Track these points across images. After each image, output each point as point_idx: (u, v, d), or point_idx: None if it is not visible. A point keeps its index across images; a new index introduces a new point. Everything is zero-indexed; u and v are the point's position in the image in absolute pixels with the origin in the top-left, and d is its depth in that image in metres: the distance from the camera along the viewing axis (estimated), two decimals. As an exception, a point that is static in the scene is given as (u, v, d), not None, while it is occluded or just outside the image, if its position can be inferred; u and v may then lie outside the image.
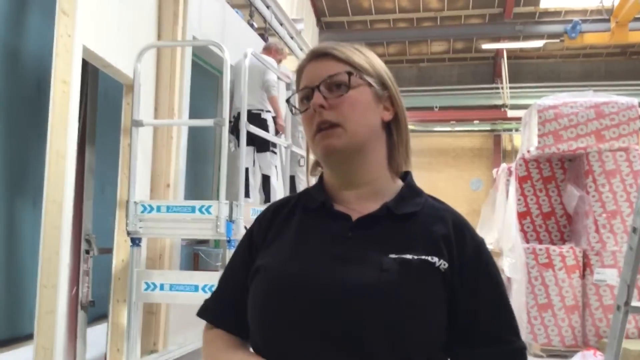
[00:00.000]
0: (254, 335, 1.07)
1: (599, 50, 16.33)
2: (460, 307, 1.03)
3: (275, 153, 5.39)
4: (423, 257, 1.02)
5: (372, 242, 1.05)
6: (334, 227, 1.08)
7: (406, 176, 1.17)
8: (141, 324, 4.17)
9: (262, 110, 5.27)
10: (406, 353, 0.97)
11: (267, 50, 5.74)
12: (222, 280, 1.21)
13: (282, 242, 1.11)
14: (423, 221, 1.08)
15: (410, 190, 1.14)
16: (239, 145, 4.02)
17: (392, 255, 1.02)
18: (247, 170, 4.75)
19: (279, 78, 5.35)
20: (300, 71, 1.15)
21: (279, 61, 5.76)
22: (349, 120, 1.07)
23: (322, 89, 1.08)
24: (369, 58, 1.13)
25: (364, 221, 1.08)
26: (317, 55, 1.12)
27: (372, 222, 1.07)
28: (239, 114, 4.14)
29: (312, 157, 1.21)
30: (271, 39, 6.52)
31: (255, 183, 5.35)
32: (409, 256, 1.02)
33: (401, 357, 0.96)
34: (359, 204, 1.10)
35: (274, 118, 5.36)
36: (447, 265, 1.03)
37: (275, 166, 5.44)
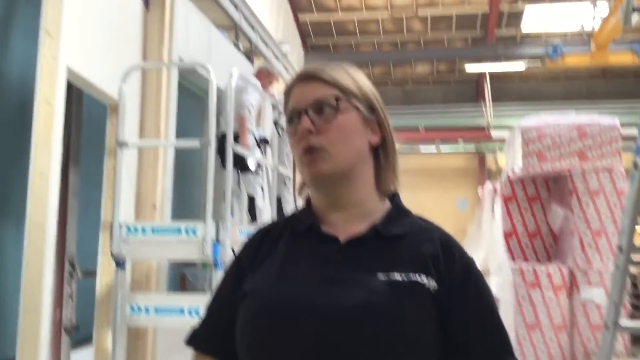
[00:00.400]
0: (241, 357, 1.05)
1: (580, 72, 16.60)
2: (452, 326, 1.02)
3: (257, 174, 5.36)
4: (412, 277, 1.01)
5: (361, 263, 1.04)
6: (321, 250, 1.07)
7: (394, 197, 1.16)
8: (128, 348, 4.10)
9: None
10: None
11: (259, 73, 5.75)
12: (210, 306, 1.19)
13: (269, 265, 1.10)
14: (411, 241, 1.08)
15: (398, 211, 1.13)
16: (223, 167, 3.99)
17: (381, 277, 1.01)
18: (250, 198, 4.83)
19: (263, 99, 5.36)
20: (288, 92, 1.14)
21: (269, 83, 5.76)
22: (337, 145, 1.06)
23: (310, 113, 1.08)
24: (357, 81, 1.13)
25: (352, 243, 1.07)
26: (305, 77, 1.12)
27: (360, 244, 1.07)
28: (222, 135, 4.12)
29: (298, 177, 1.20)
30: (262, 62, 6.52)
31: (241, 204, 5.33)
32: (397, 277, 1.01)
33: None
34: (346, 226, 1.09)
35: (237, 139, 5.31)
36: (436, 285, 1.02)
37: (261, 187, 5.41)
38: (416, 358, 0.98)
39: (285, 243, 1.12)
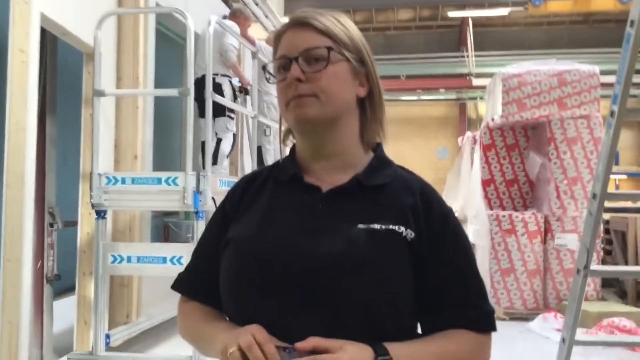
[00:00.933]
0: (226, 306, 1.09)
1: (562, 18, 16.51)
2: (428, 274, 1.05)
3: (232, 118, 5.24)
4: (390, 226, 1.04)
5: (342, 213, 1.06)
6: (304, 199, 1.09)
7: (377, 148, 1.18)
8: (112, 297, 4.15)
9: (217, 74, 5.04)
10: (376, 320, 0.99)
11: (233, 16, 5.57)
12: (196, 253, 1.22)
13: (252, 213, 1.11)
14: (392, 192, 1.10)
15: (380, 162, 1.15)
16: (199, 115, 3.93)
17: (361, 226, 1.03)
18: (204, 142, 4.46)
19: (242, 45, 5.26)
20: (278, 38, 1.13)
21: (245, 28, 5.62)
22: (325, 93, 1.06)
23: (300, 62, 1.07)
24: (349, 30, 1.12)
25: (333, 193, 1.09)
26: (297, 24, 1.10)
27: (342, 194, 1.08)
28: (197, 79, 4.03)
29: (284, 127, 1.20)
30: (236, 5, 6.34)
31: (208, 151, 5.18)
32: (376, 226, 1.03)
33: (371, 324, 0.98)
34: (329, 176, 1.11)
35: (229, 80, 5.24)
36: (413, 234, 1.05)
37: (232, 132, 5.30)
38: (394, 306, 1.01)
39: (269, 192, 1.14)
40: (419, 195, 1.10)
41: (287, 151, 1.21)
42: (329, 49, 1.07)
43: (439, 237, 1.07)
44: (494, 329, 1.09)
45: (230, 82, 5.22)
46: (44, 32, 3.64)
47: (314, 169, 1.13)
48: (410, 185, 1.12)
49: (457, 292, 1.07)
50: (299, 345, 0.93)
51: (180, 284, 1.21)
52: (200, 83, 4.05)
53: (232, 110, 5.11)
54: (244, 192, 1.17)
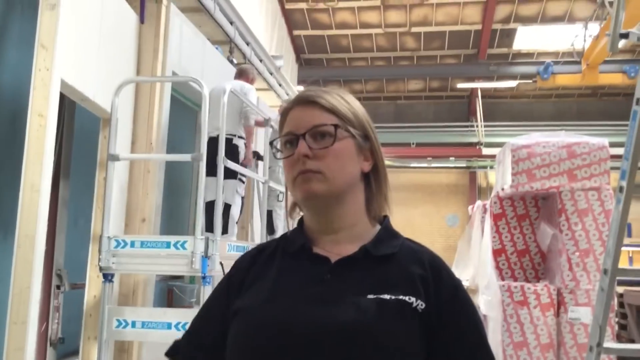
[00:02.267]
0: None
1: (570, 91, 16.78)
2: (439, 347, 1.04)
3: (242, 182, 5.24)
4: (400, 297, 1.03)
5: (350, 283, 1.06)
6: (312, 270, 1.09)
7: (384, 220, 1.18)
8: (112, 362, 4.08)
9: (235, 135, 5.11)
10: None
11: (245, 76, 5.58)
12: (196, 321, 1.20)
13: (261, 284, 1.11)
14: (400, 262, 1.10)
15: (387, 233, 1.15)
16: (207, 173, 3.94)
17: (370, 296, 1.03)
18: (213, 202, 4.21)
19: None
20: (284, 114, 1.16)
21: (252, 81, 5.66)
22: (331, 170, 1.08)
23: (307, 138, 1.09)
24: (353, 108, 1.15)
25: (342, 263, 1.09)
26: (303, 102, 1.13)
27: (350, 264, 1.08)
28: (210, 138, 4.07)
29: (289, 199, 1.21)
30: (246, 65, 6.37)
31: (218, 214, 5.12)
32: (386, 296, 1.03)
33: None
34: (337, 247, 1.11)
35: (245, 146, 5.28)
36: (424, 305, 1.04)
37: (242, 196, 5.31)
38: None
39: (278, 263, 1.14)
40: (428, 266, 1.10)
41: (293, 224, 1.21)
42: (336, 126, 1.10)
43: (449, 309, 1.06)
44: None
45: (246, 146, 5.27)
46: (63, 97, 3.75)
47: (322, 241, 1.14)
48: (419, 256, 1.12)
49: None
50: None
51: (176, 352, 1.19)
52: (213, 142, 4.09)
53: (243, 174, 5.13)
54: (252, 263, 1.17)
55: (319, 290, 1.05)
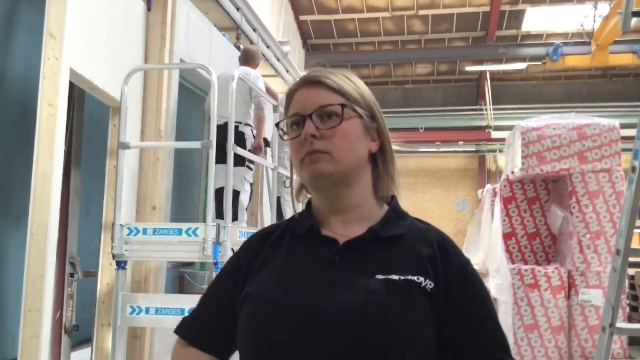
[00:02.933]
0: (243, 358, 1.08)
1: (580, 72, 16.64)
2: (448, 326, 1.04)
3: (250, 169, 5.23)
4: (409, 277, 1.04)
5: (359, 264, 1.06)
6: (321, 252, 1.09)
7: (392, 200, 1.18)
8: (126, 348, 4.12)
9: (241, 122, 5.08)
10: None
11: (252, 62, 5.52)
12: (203, 300, 1.22)
13: (270, 268, 1.12)
14: (408, 242, 1.10)
15: (396, 213, 1.16)
16: (217, 161, 3.94)
17: (379, 277, 1.03)
18: (222, 189, 4.27)
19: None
20: (290, 96, 1.15)
21: (257, 66, 5.68)
22: (339, 150, 1.08)
23: (314, 118, 1.09)
24: (359, 88, 1.14)
25: (350, 244, 1.09)
26: (309, 82, 1.13)
27: (359, 245, 1.09)
28: (218, 126, 4.05)
29: (295, 181, 1.21)
30: (248, 46, 6.30)
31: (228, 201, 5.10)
32: (395, 277, 1.03)
33: None
34: (345, 229, 1.12)
35: (254, 135, 5.27)
36: (432, 284, 1.04)
37: (250, 183, 5.31)
38: (415, 356, 1.00)
39: (286, 246, 1.14)
40: (436, 245, 1.10)
41: (299, 206, 1.22)
42: (343, 105, 1.09)
43: (458, 288, 1.07)
44: None
45: (252, 131, 5.26)
46: (72, 86, 3.76)
47: (330, 222, 1.14)
48: (426, 235, 1.12)
49: (478, 344, 1.06)
50: None
51: (183, 328, 1.20)
52: (221, 130, 4.09)
53: (251, 161, 5.12)
54: (260, 246, 1.18)
55: (328, 273, 1.06)
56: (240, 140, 4.83)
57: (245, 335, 1.07)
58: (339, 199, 1.12)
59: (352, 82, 1.14)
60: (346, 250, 1.08)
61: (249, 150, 4.98)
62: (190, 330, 1.19)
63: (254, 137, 5.27)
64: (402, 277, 1.03)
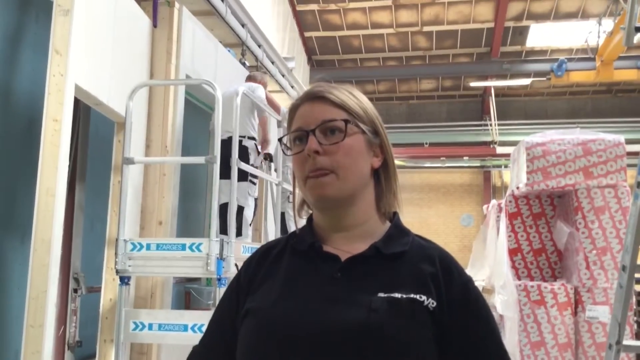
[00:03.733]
0: None
1: (585, 88, 16.64)
2: (451, 345, 1.03)
3: (254, 183, 5.22)
4: (412, 295, 1.03)
5: (361, 282, 1.05)
6: (323, 268, 1.08)
7: (394, 217, 1.18)
8: (129, 365, 4.09)
9: (244, 137, 5.06)
10: None
11: (252, 78, 5.66)
12: (210, 325, 1.21)
13: (271, 284, 1.11)
14: (411, 260, 1.09)
15: (398, 230, 1.15)
16: (221, 176, 3.94)
17: (381, 295, 1.02)
18: (226, 205, 4.30)
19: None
20: (293, 110, 1.15)
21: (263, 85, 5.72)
22: (343, 167, 1.08)
23: (317, 134, 1.08)
24: (362, 103, 1.14)
25: (352, 261, 1.08)
26: (313, 97, 1.13)
27: (361, 262, 1.08)
28: (222, 141, 4.05)
29: (297, 195, 1.20)
30: (256, 72, 6.42)
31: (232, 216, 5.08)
32: (397, 295, 1.02)
33: None
34: (347, 245, 1.11)
35: (255, 143, 5.27)
36: (435, 303, 1.03)
37: (254, 198, 5.30)
38: None
39: (287, 262, 1.13)
40: (438, 263, 1.09)
41: (301, 222, 1.21)
42: (346, 121, 1.09)
43: (461, 306, 1.06)
44: None
45: (256, 146, 5.26)
46: (77, 102, 3.78)
47: (332, 239, 1.13)
48: (429, 253, 1.11)
49: None
50: None
51: (194, 357, 1.19)
52: (225, 144, 4.09)
53: (255, 176, 5.12)
54: (260, 262, 1.17)
55: (330, 290, 1.05)
56: (243, 154, 4.83)
57: (245, 352, 1.06)
58: (342, 217, 1.12)
59: (355, 98, 1.13)
60: (348, 267, 1.07)
61: (252, 165, 4.98)
62: (199, 357, 1.18)
63: (258, 151, 5.28)
64: (404, 296, 1.02)
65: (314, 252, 1.11)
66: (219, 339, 1.15)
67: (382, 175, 1.15)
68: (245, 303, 1.11)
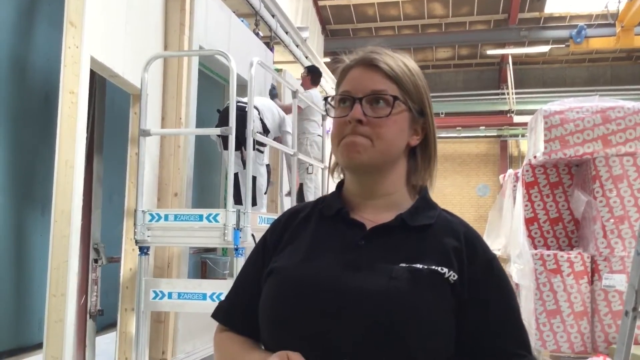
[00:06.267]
0: (264, 335, 1.09)
1: (604, 55, 16.33)
2: (469, 319, 1.04)
3: (261, 152, 5.16)
4: (433, 267, 1.03)
5: (384, 251, 1.06)
6: (348, 235, 1.09)
7: (422, 190, 1.18)
8: (149, 333, 4.18)
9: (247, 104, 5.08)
10: (416, 357, 0.97)
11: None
12: (237, 283, 1.23)
13: (296, 246, 1.12)
14: (435, 233, 1.10)
15: (425, 203, 1.15)
16: (224, 147, 3.92)
17: (403, 265, 1.03)
18: (237, 175, 4.48)
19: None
20: (345, 71, 1.14)
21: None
22: (380, 139, 1.07)
23: (363, 103, 1.08)
24: (415, 78, 1.12)
25: (377, 230, 1.09)
26: (366, 63, 1.11)
27: (386, 232, 1.09)
28: (225, 108, 4.01)
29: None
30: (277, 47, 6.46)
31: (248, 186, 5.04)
32: (419, 266, 1.03)
33: None
34: (374, 214, 1.11)
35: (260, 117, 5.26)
36: (456, 277, 1.04)
37: (266, 164, 5.29)
38: (433, 345, 1.00)
39: (313, 226, 1.15)
40: (463, 238, 1.09)
41: (328, 188, 1.21)
42: (395, 98, 1.08)
43: (482, 282, 1.06)
44: None
45: (259, 114, 5.20)
46: (93, 74, 3.80)
47: (359, 207, 1.14)
48: (454, 228, 1.11)
49: (499, 340, 1.05)
50: None
51: (219, 312, 1.22)
52: (227, 113, 4.05)
53: (261, 143, 5.08)
54: (287, 224, 1.18)
55: (353, 256, 1.05)
56: (243, 120, 4.72)
57: (265, 310, 1.08)
58: (371, 185, 1.12)
59: (409, 71, 1.12)
60: (372, 235, 1.08)
61: (259, 133, 4.94)
62: (224, 314, 1.20)
63: (261, 120, 5.18)
64: (426, 267, 1.03)
65: (340, 219, 1.12)
66: (245, 297, 1.16)
67: (420, 153, 1.15)
68: (270, 262, 1.13)
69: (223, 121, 3.87)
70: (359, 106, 1.07)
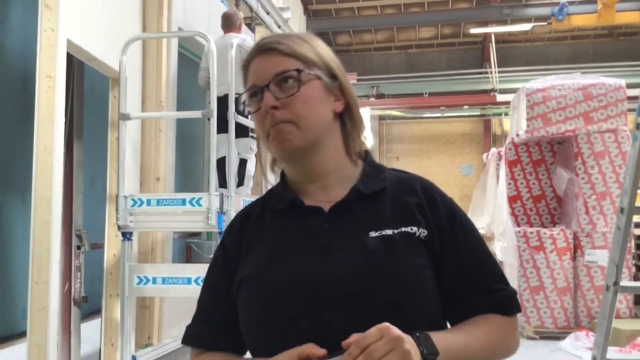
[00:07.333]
0: (254, 344, 1.06)
1: (586, 32, 16.37)
2: (446, 267, 1.05)
3: (254, 138, 5.20)
4: (402, 229, 1.04)
5: (350, 227, 1.05)
6: (308, 223, 1.07)
7: (366, 156, 1.16)
8: (135, 318, 4.17)
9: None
10: (408, 325, 0.95)
11: (233, 27, 5.23)
12: (202, 303, 1.16)
13: (260, 249, 1.09)
14: (393, 194, 1.09)
15: (373, 168, 1.14)
16: (218, 131, 3.89)
17: (373, 234, 1.03)
18: (224, 158, 4.37)
19: None
20: (246, 67, 1.11)
21: (240, 27, 5.42)
22: (302, 117, 1.05)
23: (272, 88, 1.05)
24: (315, 49, 1.10)
25: (336, 209, 1.07)
26: (263, 50, 1.09)
27: (345, 208, 1.07)
28: (219, 97, 3.99)
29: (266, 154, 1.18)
30: (229, 10, 5.97)
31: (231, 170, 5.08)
32: (389, 231, 1.03)
33: (405, 326, 0.94)
34: (326, 195, 1.10)
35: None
36: (426, 232, 1.05)
37: (255, 153, 5.27)
38: (422, 304, 1.01)
39: (270, 223, 1.12)
40: (421, 192, 1.10)
41: (272, 180, 1.19)
42: (299, 70, 1.05)
43: (449, 229, 1.08)
44: (519, 310, 1.10)
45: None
46: (70, 58, 3.73)
47: (309, 191, 1.11)
48: (410, 184, 1.12)
49: (477, 279, 1.08)
50: (345, 342, 0.89)
51: (191, 338, 1.15)
52: (222, 101, 4.05)
53: (253, 131, 5.06)
54: (242, 230, 1.14)
55: (321, 242, 1.04)
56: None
57: (251, 320, 1.05)
58: (312, 166, 1.10)
59: (307, 43, 1.10)
60: (333, 215, 1.07)
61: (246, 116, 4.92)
62: (198, 337, 1.14)
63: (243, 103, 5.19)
64: (395, 231, 1.03)
65: (295, 208, 1.10)
66: (215, 312, 1.12)
67: (347, 118, 1.12)
68: (237, 272, 1.09)
69: (221, 107, 3.82)
70: (268, 93, 1.05)
